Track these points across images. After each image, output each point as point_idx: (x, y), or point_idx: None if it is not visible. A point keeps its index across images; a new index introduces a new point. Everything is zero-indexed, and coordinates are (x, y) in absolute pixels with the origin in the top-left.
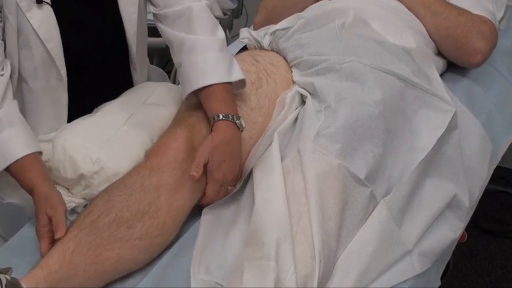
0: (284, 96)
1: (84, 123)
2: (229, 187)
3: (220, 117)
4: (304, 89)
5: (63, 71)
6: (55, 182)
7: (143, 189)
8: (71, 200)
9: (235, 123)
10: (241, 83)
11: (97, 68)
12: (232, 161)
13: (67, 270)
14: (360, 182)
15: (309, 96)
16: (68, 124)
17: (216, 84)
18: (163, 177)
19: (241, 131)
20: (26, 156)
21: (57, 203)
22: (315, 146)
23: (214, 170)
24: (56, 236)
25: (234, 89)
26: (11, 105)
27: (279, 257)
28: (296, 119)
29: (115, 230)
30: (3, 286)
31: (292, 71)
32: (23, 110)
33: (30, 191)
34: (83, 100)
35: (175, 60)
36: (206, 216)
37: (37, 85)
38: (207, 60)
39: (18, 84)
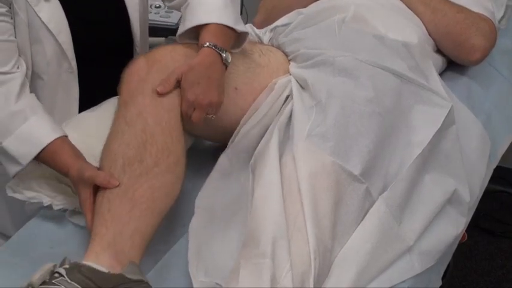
0: (276, 81)
1: (87, 119)
2: (208, 115)
3: (206, 44)
4: (298, 82)
5: (74, 63)
6: (57, 178)
7: (129, 124)
8: (75, 201)
9: (220, 54)
10: (241, 43)
11: (103, 58)
12: (208, 85)
13: (114, 226)
14: (355, 179)
15: (297, 93)
16: (71, 119)
17: (218, 24)
18: (139, 100)
19: (226, 65)
20: (54, 140)
21: (92, 169)
22: (308, 144)
23: (186, 90)
24: (115, 185)
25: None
26: (30, 97)
27: (275, 255)
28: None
29: (130, 169)
30: (65, 275)
31: (290, 64)
32: None
33: (66, 173)
34: (92, 92)
35: (184, 6)
36: (197, 213)
37: (50, 80)
38: (217, 2)
39: (32, 80)
